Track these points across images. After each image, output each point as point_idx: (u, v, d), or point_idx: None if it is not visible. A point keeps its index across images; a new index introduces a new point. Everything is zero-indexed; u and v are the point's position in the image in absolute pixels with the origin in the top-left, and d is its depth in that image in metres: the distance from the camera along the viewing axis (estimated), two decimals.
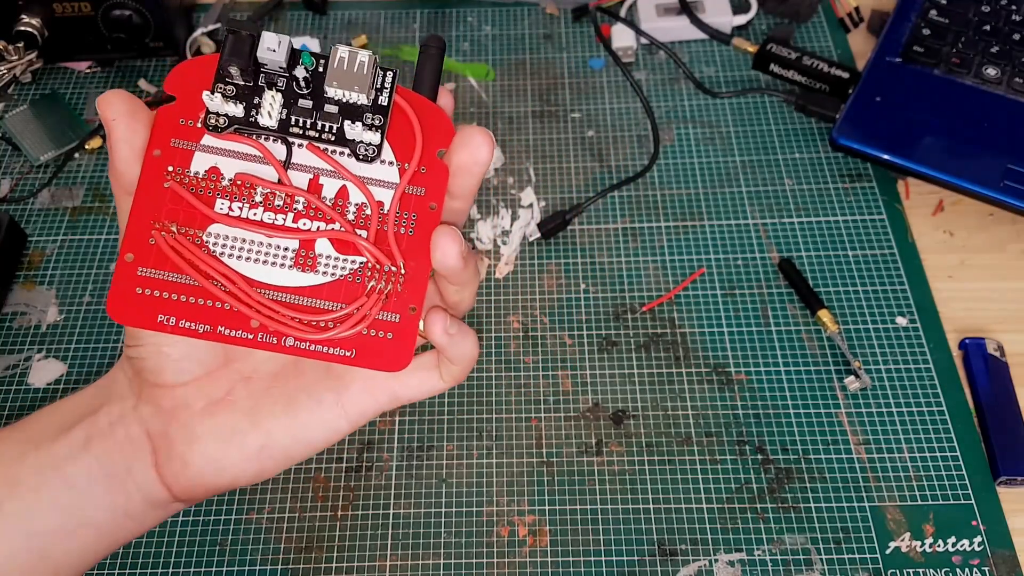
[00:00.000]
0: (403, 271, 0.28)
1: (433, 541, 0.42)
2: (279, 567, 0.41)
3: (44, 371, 0.47)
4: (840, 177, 0.54)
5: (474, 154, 0.28)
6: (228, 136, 0.27)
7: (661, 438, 0.45)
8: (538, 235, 0.51)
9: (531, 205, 0.53)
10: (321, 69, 0.27)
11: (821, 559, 0.41)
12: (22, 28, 0.57)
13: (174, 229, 0.27)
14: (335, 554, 0.42)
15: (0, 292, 0.50)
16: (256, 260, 0.28)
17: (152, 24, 0.58)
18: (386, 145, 0.28)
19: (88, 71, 0.61)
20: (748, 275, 0.50)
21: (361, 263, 0.28)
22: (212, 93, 0.27)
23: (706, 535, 0.42)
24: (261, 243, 0.28)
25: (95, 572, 0.41)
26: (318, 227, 0.28)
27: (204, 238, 0.27)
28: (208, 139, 0.28)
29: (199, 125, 0.28)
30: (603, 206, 0.53)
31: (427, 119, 0.28)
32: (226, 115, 0.27)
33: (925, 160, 0.50)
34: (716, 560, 0.41)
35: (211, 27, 0.61)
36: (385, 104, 0.28)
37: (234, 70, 0.27)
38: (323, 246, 0.28)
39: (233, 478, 0.31)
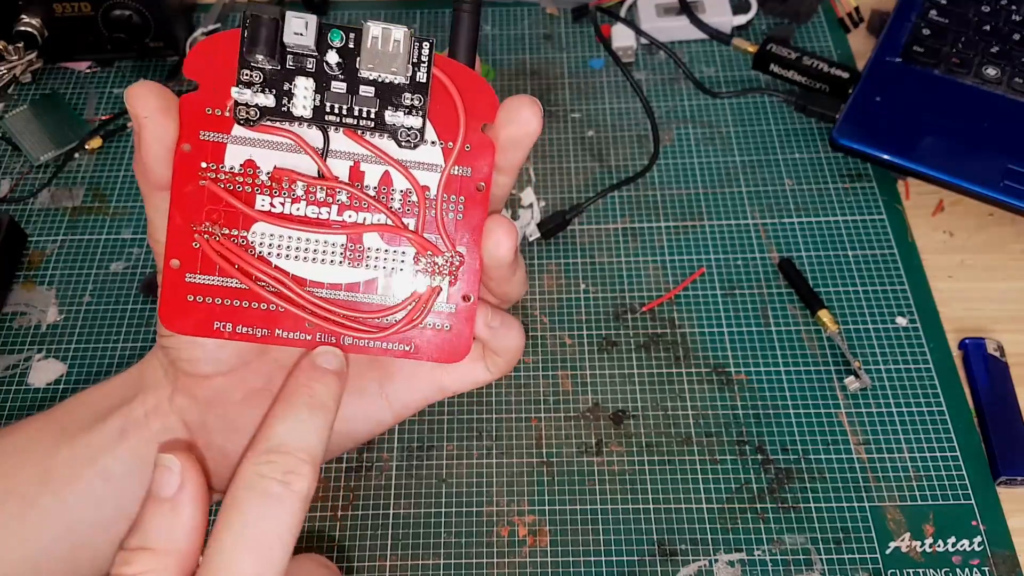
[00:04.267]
0: (455, 260, 0.27)
1: (433, 541, 0.42)
2: None
3: (44, 371, 0.47)
4: (840, 177, 0.54)
5: (524, 127, 0.26)
6: (260, 128, 0.26)
7: (661, 438, 0.45)
8: (538, 235, 0.51)
9: (531, 205, 0.53)
10: (352, 45, 0.25)
11: (821, 559, 0.41)
12: (22, 28, 0.57)
13: (217, 231, 0.26)
14: (335, 554, 0.42)
15: (0, 292, 0.50)
16: (304, 258, 0.26)
17: (152, 24, 0.58)
18: (428, 123, 0.26)
19: (88, 71, 0.61)
20: (748, 275, 0.50)
21: (412, 253, 0.27)
22: (239, 85, 0.25)
23: (706, 535, 0.42)
24: (307, 239, 0.26)
25: None
26: (364, 219, 0.26)
27: (249, 238, 0.26)
28: (239, 129, 0.26)
29: (230, 115, 0.26)
30: (603, 206, 0.53)
31: (468, 90, 0.26)
32: (256, 106, 0.25)
33: (925, 160, 0.50)
34: (716, 560, 0.41)
35: (211, 27, 0.61)
36: (424, 81, 0.25)
37: (260, 57, 0.25)
38: (371, 239, 0.27)
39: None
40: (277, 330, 0.27)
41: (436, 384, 0.30)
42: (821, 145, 0.55)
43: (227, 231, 0.26)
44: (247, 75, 0.25)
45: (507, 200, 0.28)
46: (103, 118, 0.58)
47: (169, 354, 0.29)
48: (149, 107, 0.25)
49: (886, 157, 0.51)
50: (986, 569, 0.40)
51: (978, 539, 0.41)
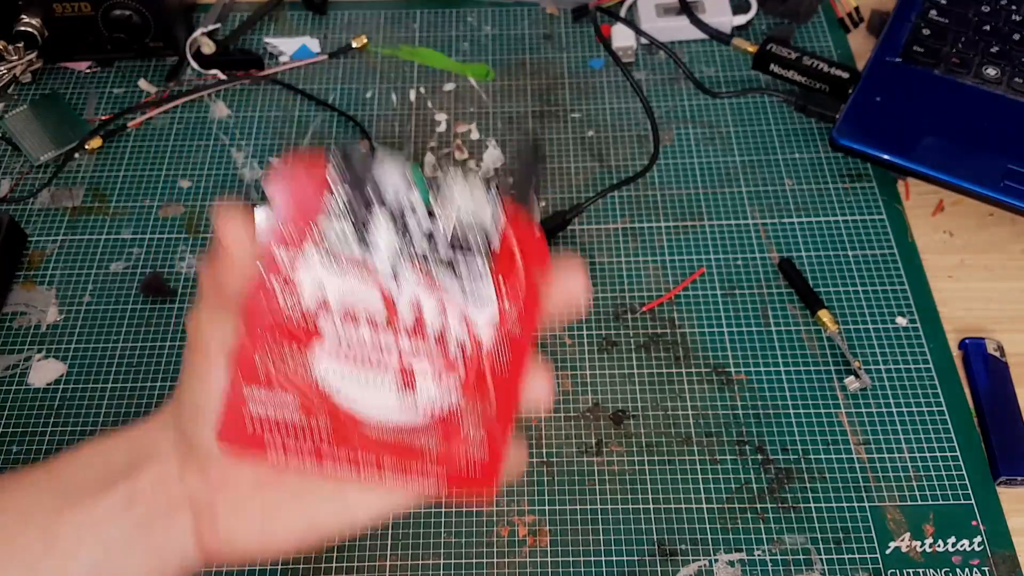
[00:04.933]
0: (495, 410, 0.28)
1: (433, 541, 0.42)
2: (279, 567, 0.41)
3: (44, 371, 0.47)
4: (840, 177, 0.54)
5: (571, 293, 0.28)
6: (339, 255, 0.27)
7: (661, 438, 0.45)
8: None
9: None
10: (435, 204, 0.27)
11: (821, 559, 0.41)
12: (22, 28, 0.57)
13: (287, 358, 0.27)
14: (335, 554, 0.42)
15: (0, 292, 0.50)
16: (357, 381, 0.28)
17: (152, 24, 0.58)
18: (492, 290, 0.28)
19: (88, 71, 0.61)
20: (748, 275, 0.50)
21: (458, 401, 0.28)
22: (327, 216, 0.26)
23: (706, 535, 0.42)
24: (364, 375, 0.28)
25: None
26: (417, 347, 0.28)
27: (309, 364, 0.27)
28: (317, 260, 0.27)
29: (307, 238, 0.27)
30: (603, 206, 0.53)
31: (526, 245, 0.28)
32: (339, 232, 0.26)
33: (925, 160, 0.50)
34: (716, 560, 0.41)
35: (211, 27, 0.61)
36: (495, 247, 0.27)
37: (349, 195, 0.26)
38: (423, 380, 0.28)
39: (274, 552, 0.31)
40: (326, 463, 0.28)
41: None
42: (821, 145, 0.55)
43: (293, 358, 0.27)
44: (334, 203, 0.26)
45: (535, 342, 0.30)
46: (103, 118, 0.58)
47: (186, 431, 0.29)
48: (234, 236, 0.26)
49: (886, 157, 0.51)
50: (986, 569, 0.40)
51: (978, 539, 0.41)
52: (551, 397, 0.29)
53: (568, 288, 0.28)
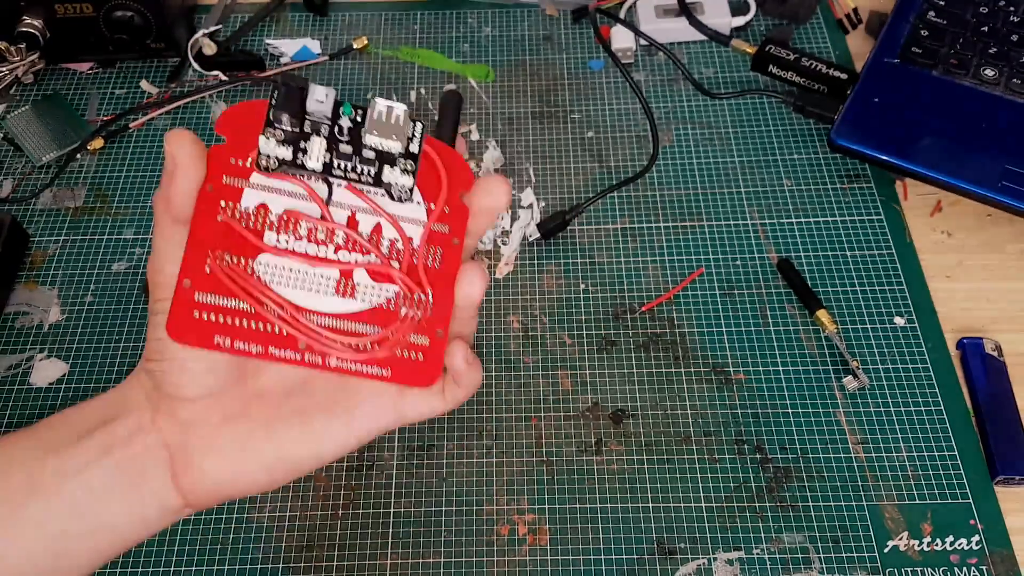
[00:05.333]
0: (431, 299, 0.31)
1: (433, 540, 0.42)
2: (280, 566, 0.41)
3: (46, 371, 0.47)
4: (838, 178, 0.54)
5: (496, 200, 0.32)
6: (276, 175, 0.30)
7: (660, 438, 0.45)
8: (538, 235, 0.52)
9: (531, 205, 0.54)
10: (360, 119, 0.30)
11: (819, 558, 0.41)
12: (24, 29, 0.57)
13: (228, 258, 0.30)
14: (335, 553, 0.42)
15: (2, 292, 0.50)
16: (301, 287, 0.30)
17: (153, 25, 0.58)
18: (415, 187, 0.31)
19: (90, 72, 0.61)
20: (747, 275, 0.50)
21: (395, 292, 0.31)
22: (266, 138, 0.30)
23: (705, 534, 0.42)
24: (305, 272, 0.31)
25: (100, 572, 0.41)
26: (356, 259, 0.31)
27: (254, 267, 0.30)
28: (257, 177, 0.31)
29: (251, 165, 0.31)
30: (603, 206, 0.53)
31: (450, 165, 0.32)
32: (276, 157, 0.30)
33: (923, 161, 0.50)
34: (715, 559, 0.41)
35: (212, 28, 0.61)
36: (416, 152, 0.31)
37: (285, 118, 0.29)
38: (361, 276, 0.31)
39: (246, 487, 0.32)
40: (271, 348, 0.30)
41: (397, 412, 0.33)
42: (819, 146, 0.56)
43: (236, 259, 0.30)
44: (271, 132, 0.30)
45: (472, 254, 0.34)
46: (105, 119, 0.58)
47: (155, 377, 0.31)
48: (184, 150, 0.29)
49: (884, 158, 0.51)
50: (984, 568, 0.41)
51: (976, 538, 0.41)
52: (483, 289, 0.31)
53: (491, 193, 0.32)
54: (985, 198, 0.49)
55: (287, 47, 0.62)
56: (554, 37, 0.62)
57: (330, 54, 0.61)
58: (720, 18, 0.60)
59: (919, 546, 0.41)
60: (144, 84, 0.60)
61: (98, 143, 0.56)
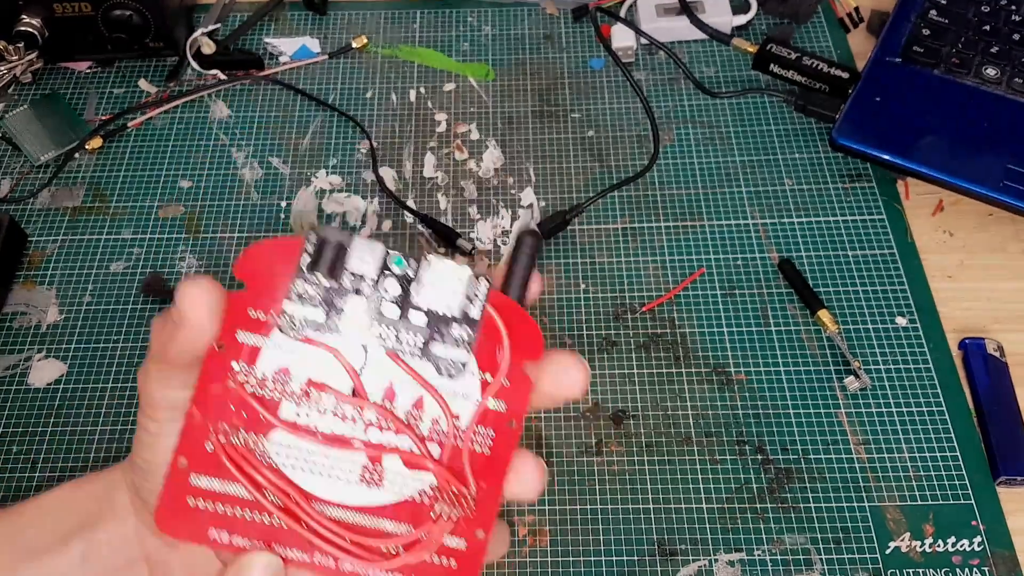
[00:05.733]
0: (473, 495, 0.26)
1: None
2: None
3: (44, 371, 0.47)
4: (840, 177, 0.54)
5: (568, 390, 0.26)
6: (303, 339, 0.25)
7: (661, 438, 0.45)
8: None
9: (531, 205, 0.53)
10: (411, 274, 0.25)
11: (821, 559, 0.41)
12: (22, 28, 0.57)
13: (236, 436, 0.25)
14: None
15: (0, 292, 0.50)
16: (320, 473, 0.26)
17: (152, 24, 0.58)
18: (471, 358, 0.26)
19: (88, 71, 0.61)
20: (748, 275, 0.50)
21: (431, 483, 0.26)
22: (292, 297, 0.25)
23: (706, 535, 0.42)
24: (326, 455, 0.26)
25: None
26: (389, 440, 0.26)
27: (266, 446, 0.26)
28: (278, 335, 0.26)
29: (271, 321, 0.26)
30: (603, 206, 0.53)
31: (515, 327, 0.26)
32: (304, 319, 0.25)
33: (925, 160, 0.50)
34: (716, 560, 0.41)
35: (211, 27, 0.61)
36: (476, 318, 0.25)
37: (320, 277, 0.25)
38: (392, 462, 0.26)
39: None
40: (276, 546, 0.26)
41: None
42: (821, 145, 0.55)
43: (244, 436, 0.26)
44: (302, 287, 0.25)
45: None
46: (103, 118, 0.58)
47: (140, 490, 0.29)
48: (197, 312, 0.25)
49: (886, 157, 0.51)
50: (986, 569, 0.40)
51: (978, 539, 0.41)
52: (540, 488, 0.26)
53: (563, 378, 0.26)
54: (987, 197, 0.49)
55: (286, 46, 0.62)
56: (554, 36, 0.62)
57: (329, 53, 0.61)
58: (721, 17, 0.60)
59: (921, 547, 0.41)
60: (143, 83, 0.60)
61: (96, 142, 0.56)
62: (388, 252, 0.25)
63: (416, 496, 0.26)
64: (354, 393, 0.26)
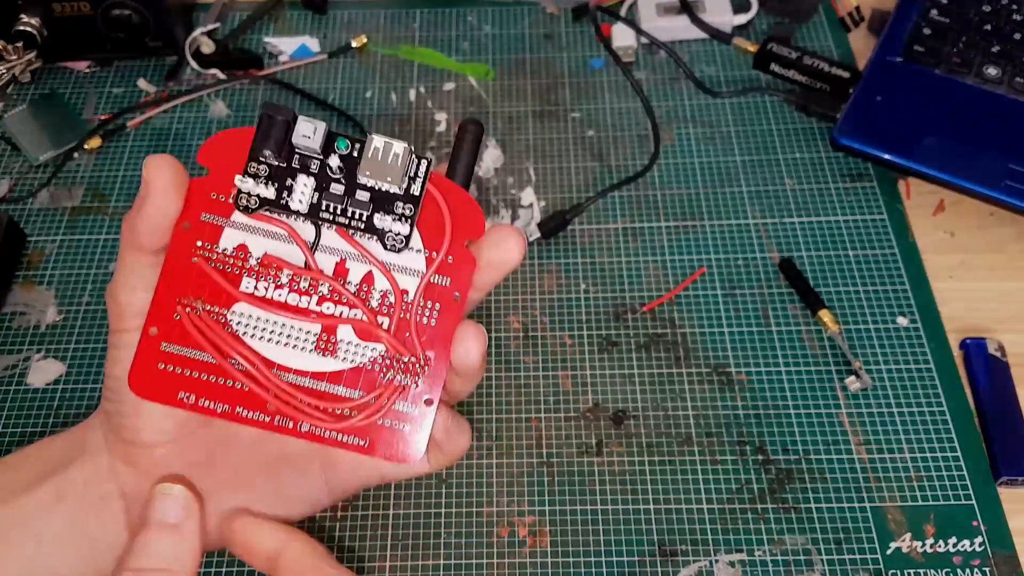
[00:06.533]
0: (422, 363, 0.28)
1: (433, 541, 0.42)
2: None
3: (43, 371, 0.47)
4: (841, 177, 0.54)
5: (507, 255, 0.28)
6: (258, 216, 0.28)
7: (661, 438, 0.45)
8: (538, 235, 0.51)
9: (531, 205, 0.53)
10: (355, 154, 0.27)
11: (822, 559, 0.41)
12: (21, 28, 0.56)
13: (199, 306, 0.27)
14: (335, 554, 0.41)
15: None
16: (278, 342, 0.28)
17: (151, 24, 0.58)
18: (415, 232, 0.28)
19: (87, 71, 0.61)
20: (748, 275, 0.50)
21: (381, 351, 0.28)
22: (244, 176, 0.27)
23: (707, 535, 0.42)
24: (283, 325, 0.28)
25: None
26: (341, 312, 0.28)
27: (228, 316, 0.28)
28: (239, 216, 0.28)
29: (230, 202, 0.28)
30: (603, 206, 0.53)
31: (458, 208, 0.28)
32: (257, 196, 0.27)
33: (926, 160, 0.50)
34: (716, 561, 0.41)
35: (211, 27, 0.61)
36: (417, 194, 0.28)
37: (269, 153, 0.27)
38: (345, 332, 0.28)
39: (207, 544, 0.30)
40: (238, 408, 0.28)
41: (377, 472, 0.31)
42: (822, 145, 0.55)
43: (209, 307, 0.27)
44: (254, 167, 0.27)
45: (474, 309, 0.31)
46: (102, 118, 0.57)
47: (112, 420, 0.29)
48: (163, 179, 0.26)
49: (887, 157, 0.51)
50: (987, 570, 0.40)
51: (979, 539, 0.41)
52: (480, 353, 0.28)
53: (502, 245, 0.28)
54: (988, 197, 0.49)
55: (285, 45, 0.61)
56: (554, 35, 0.62)
57: (329, 52, 0.61)
58: (721, 16, 0.60)
59: (922, 547, 0.41)
60: (142, 83, 0.60)
61: (96, 142, 0.56)
62: (331, 132, 0.27)
63: (367, 364, 0.28)
64: (307, 266, 0.28)
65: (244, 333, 0.28)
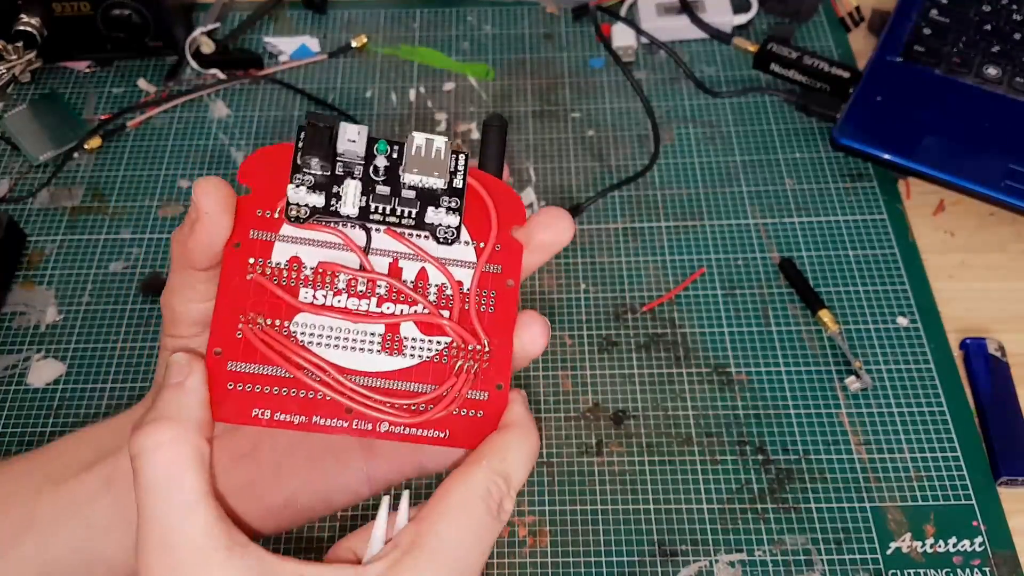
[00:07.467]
0: (488, 349, 0.28)
1: None
2: None
3: (43, 371, 0.47)
4: (841, 177, 0.54)
5: (558, 236, 0.29)
6: (308, 226, 0.28)
7: (661, 438, 0.45)
8: None
9: (531, 205, 0.53)
10: (396, 156, 0.28)
11: (822, 559, 0.41)
12: (21, 28, 0.56)
13: (261, 321, 0.28)
14: None
15: None
16: (344, 347, 0.28)
17: (151, 23, 0.58)
18: (463, 225, 0.29)
19: (87, 70, 0.60)
20: (748, 275, 0.50)
21: (446, 343, 0.28)
22: (294, 186, 0.27)
23: (707, 535, 0.42)
24: (347, 330, 0.28)
25: None
26: (402, 310, 0.28)
27: (291, 328, 0.28)
28: (287, 229, 0.28)
29: (280, 215, 0.28)
30: (603, 206, 0.53)
31: (499, 198, 0.29)
32: (307, 205, 0.27)
33: (926, 160, 0.50)
34: (716, 561, 0.41)
35: (211, 26, 0.61)
36: (460, 187, 0.28)
37: (314, 162, 0.27)
38: (408, 329, 0.28)
39: (249, 532, 0.30)
40: (315, 417, 0.28)
41: (416, 464, 0.31)
42: (822, 145, 0.55)
43: (270, 322, 0.28)
44: (299, 178, 0.27)
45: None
46: (102, 118, 0.57)
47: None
48: (213, 202, 0.27)
49: (887, 157, 0.51)
50: (987, 569, 0.40)
51: (979, 539, 0.41)
52: (545, 341, 0.29)
53: (551, 227, 0.29)
54: (988, 197, 0.49)
55: (285, 45, 0.61)
56: (555, 35, 0.62)
57: (329, 52, 0.61)
58: (722, 16, 0.60)
59: (922, 547, 0.41)
60: (142, 83, 0.60)
61: (96, 142, 0.56)
62: (371, 137, 0.28)
63: (435, 357, 0.28)
64: (362, 269, 0.28)
65: (309, 343, 0.28)
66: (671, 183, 0.54)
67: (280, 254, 0.28)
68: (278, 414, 0.27)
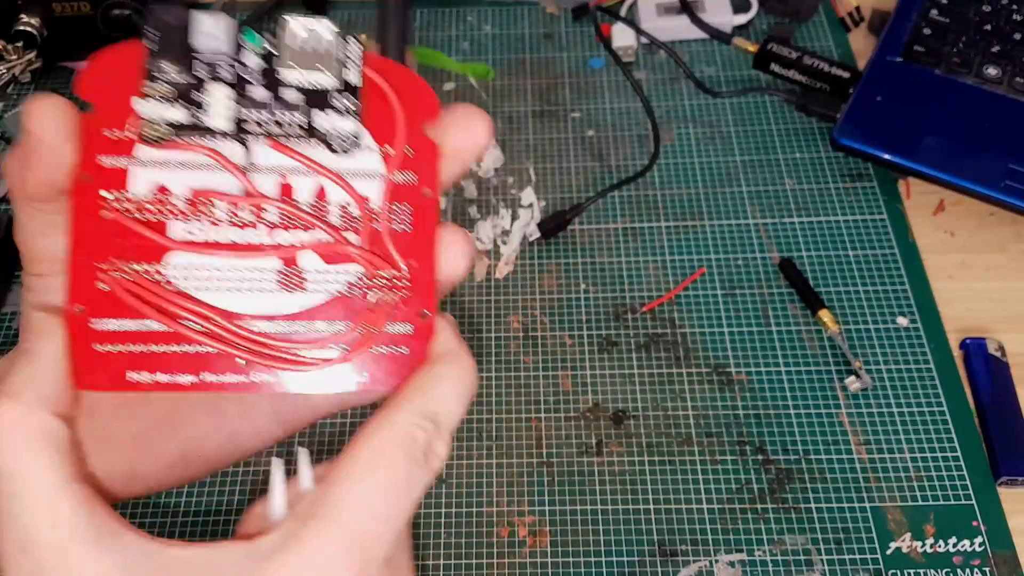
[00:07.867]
0: (407, 273, 0.24)
1: (433, 541, 0.42)
2: None
3: None
4: (841, 177, 0.54)
5: (472, 137, 0.24)
6: (169, 145, 0.23)
7: (661, 438, 0.45)
8: (538, 235, 0.51)
9: (531, 205, 0.53)
10: (271, 48, 0.23)
11: (822, 559, 0.41)
12: (21, 28, 0.56)
13: (126, 268, 0.23)
14: None
15: (0, 292, 0.50)
16: (232, 288, 0.23)
17: None
18: (362, 129, 0.24)
19: None
20: (748, 275, 0.50)
21: (357, 272, 0.24)
22: (143, 98, 0.22)
23: (706, 535, 0.42)
24: (233, 267, 0.23)
25: None
26: (299, 238, 0.23)
27: (164, 272, 0.23)
28: (145, 151, 0.23)
29: (134, 135, 0.23)
30: (603, 206, 0.53)
31: (404, 90, 0.24)
32: (165, 122, 0.22)
33: (926, 160, 0.50)
34: (716, 561, 0.41)
35: None
36: (355, 82, 0.23)
37: (167, 66, 0.22)
38: (309, 259, 0.24)
39: (148, 488, 0.27)
40: (204, 373, 0.23)
41: (335, 399, 0.28)
42: (822, 145, 0.55)
43: (137, 267, 0.23)
44: (151, 88, 0.22)
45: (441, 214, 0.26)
46: None
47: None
48: (47, 129, 0.22)
49: (887, 157, 0.51)
50: (987, 570, 0.40)
51: (979, 539, 0.41)
52: (470, 260, 0.25)
53: (466, 127, 0.24)
54: (988, 197, 0.49)
55: None
56: (555, 35, 0.62)
57: None
58: (722, 16, 0.60)
59: (922, 548, 0.41)
60: None
61: None
62: (240, 26, 0.23)
63: (345, 290, 0.24)
64: (245, 193, 0.23)
65: (189, 288, 0.23)
66: (671, 183, 0.54)
67: (139, 182, 0.23)
68: (159, 375, 0.23)
